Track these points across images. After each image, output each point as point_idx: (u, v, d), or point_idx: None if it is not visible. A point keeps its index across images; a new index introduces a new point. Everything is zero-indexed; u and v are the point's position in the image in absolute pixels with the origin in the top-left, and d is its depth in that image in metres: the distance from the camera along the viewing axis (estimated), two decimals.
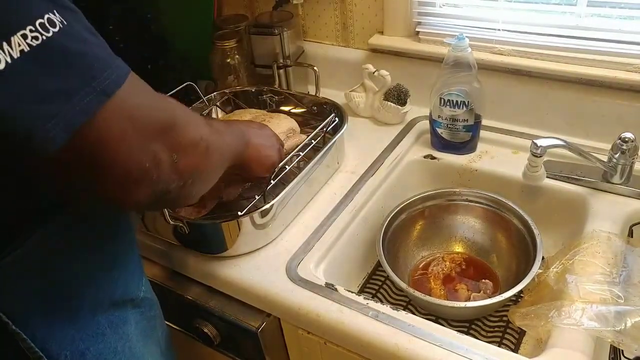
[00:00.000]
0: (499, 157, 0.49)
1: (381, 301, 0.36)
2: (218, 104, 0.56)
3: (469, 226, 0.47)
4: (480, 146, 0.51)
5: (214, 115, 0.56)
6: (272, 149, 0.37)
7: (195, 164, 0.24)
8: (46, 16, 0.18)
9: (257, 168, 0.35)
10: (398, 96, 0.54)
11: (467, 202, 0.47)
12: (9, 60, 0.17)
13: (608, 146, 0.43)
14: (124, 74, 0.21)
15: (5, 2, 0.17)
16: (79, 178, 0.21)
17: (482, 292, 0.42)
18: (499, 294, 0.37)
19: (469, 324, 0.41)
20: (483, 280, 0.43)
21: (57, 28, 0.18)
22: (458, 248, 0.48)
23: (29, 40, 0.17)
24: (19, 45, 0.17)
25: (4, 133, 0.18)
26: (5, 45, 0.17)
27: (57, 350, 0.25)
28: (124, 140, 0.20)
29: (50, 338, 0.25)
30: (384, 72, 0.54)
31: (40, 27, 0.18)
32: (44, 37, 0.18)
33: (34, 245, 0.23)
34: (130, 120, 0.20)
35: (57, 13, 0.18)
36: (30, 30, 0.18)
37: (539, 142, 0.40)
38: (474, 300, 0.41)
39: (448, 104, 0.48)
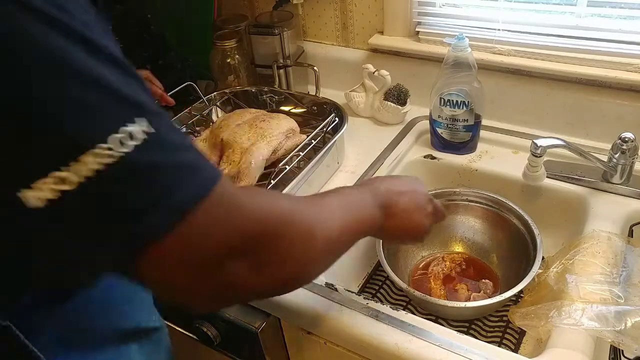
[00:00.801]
0: (499, 157, 0.49)
1: (381, 301, 0.36)
2: (218, 104, 0.56)
3: (469, 226, 0.47)
4: (480, 146, 0.51)
5: (213, 116, 0.56)
6: (420, 211, 0.29)
7: (292, 273, 0.20)
8: (127, 128, 0.16)
9: (405, 238, 0.30)
10: (398, 96, 0.54)
11: (467, 202, 0.47)
12: (80, 180, 0.15)
13: (608, 146, 0.43)
14: (207, 185, 0.18)
15: (77, 115, 0.15)
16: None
17: (482, 292, 0.42)
18: (499, 294, 0.37)
19: (469, 324, 0.41)
20: (483, 280, 0.43)
21: (138, 141, 0.16)
22: (458, 248, 0.48)
23: (100, 159, 0.15)
24: (90, 164, 0.15)
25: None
26: (74, 164, 0.15)
27: None
28: (191, 269, 0.18)
29: None
30: (384, 72, 0.54)
31: (119, 142, 0.16)
32: (121, 153, 0.16)
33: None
34: (204, 239, 0.17)
35: (144, 120, 0.16)
36: (109, 146, 0.15)
37: (539, 142, 0.40)
38: (474, 300, 0.41)
39: (448, 103, 0.47)
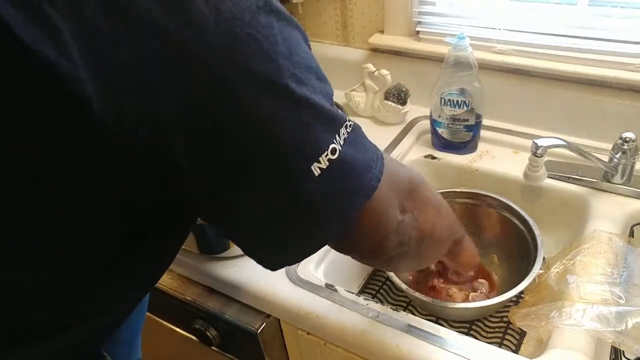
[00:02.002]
0: (499, 157, 0.49)
1: (381, 302, 0.36)
2: None
3: (469, 227, 0.47)
4: (481, 146, 0.50)
5: None
6: (476, 252, 0.38)
7: (431, 222, 0.27)
8: (344, 124, 0.22)
9: (468, 263, 0.37)
10: (398, 96, 0.54)
11: (467, 202, 0.47)
12: (340, 148, 0.21)
13: (609, 146, 0.43)
14: (383, 157, 0.24)
15: (329, 101, 0.21)
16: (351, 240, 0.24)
17: (478, 291, 0.42)
18: (498, 294, 0.37)
19: (469, 325, 0.41)
20: (478, 279, 0.43)
21: (349, 120, 0.22)
22: None
23: (345, 131, 0.21)
24: (343, 135, 0.21)
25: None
26: (337, 137, 0.21)
27: None
28: (390, 204, 0.24)
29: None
30: (384, 71, 0.54)
31: (346, 116, 0.22)
32: (351, 127, 0.22)
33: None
34: (392, 189, 0.24)
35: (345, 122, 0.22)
36: (346, 121, 0.22)
37: (540, 142, 0.40)
38: (472, 299, 0.41)
39: (448, 103, 0.47)
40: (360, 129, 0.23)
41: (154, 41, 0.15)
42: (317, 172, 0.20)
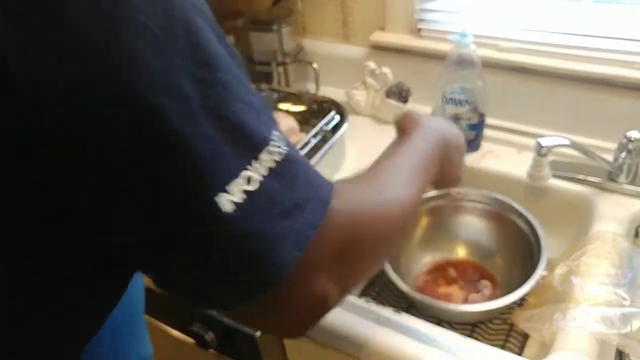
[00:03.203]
0: (503, 157, 0.48)
1: (383, 304, 0.35)
2: None
3: (472, 227, 0.47)
4: (484, 145, 0.50)
5: None
6: (460, 163, 0.32)
7: (366, 269, 0.21)
8: (275, 131, 0.17)
9: (449, 183, 0.31)
10: (400, 94, 0.53)
11: (470, 203, 0.46)
12: (261, 178, 0.16)
13: (614, 145, 0.42)
14: (327, 204, 0.18)
15: (254, 117, 0.16)
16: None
17: (480, 292, 0.42)
18: (501, 296, 0.37)
19: (472, 327, 0.40)
20: (482, 281, 0.43)
21: (285, 142, 0.17)
22: (461, 249, 0.47)
23: (273, 156, 0.16)
24: (267, 160, 0.16)
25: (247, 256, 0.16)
26: (255, 163, 0.16)
27: None
28: (299, 290, 0.17)
29: None
30: (385, 69, 0.53)
31: (279, 140, 0.17)
32: (282, 153, 0.17)
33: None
34: (307, 267, 0.17)
35: (277, 127, 0.17)
36: (272, 145, 0.16)
37: (544, 141, 0.40)
38: (472, 301, 0.41)
39: (451, 102, 0.47)
40: (298, 161, 0.17)
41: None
42: (228, 207, 0.15)
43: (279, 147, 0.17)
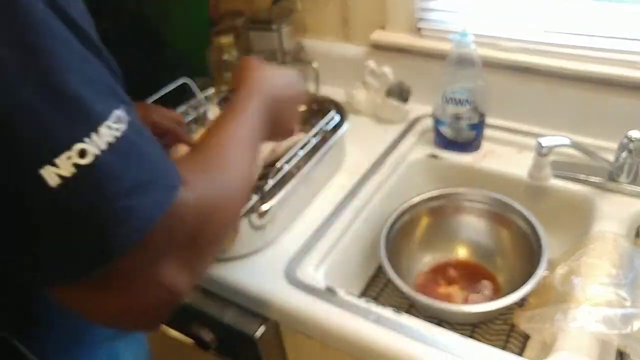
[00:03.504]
0: (503, 156, 0.48)
1: (383, 304, 0.35)
2: (215, 101, 0.55)
3: (472, 228, 0.47)
4: (485, 145, 0.50)
5: (210, 114, 0.55)
6: (293, 117, 0.30)
7: (212, 252, 0.21)
8: (118, 111, 0.16)
9: (274, 138, 0.30)
10: (400, 93, 0.53)
11: (470, 203, 0.46)
12: (97, 152, 0.15)
13: (615, 145, 0.42)
14: (173, 194, 0.18)
15: (93, 92, 0.16)
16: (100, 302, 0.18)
17: (480, 293, 0.42)
18: (501, 296, 0.37)
19: (472, 328, 0.40)
20: (482, 281, 0.43)
21: (126, 123, 0.17)
22: (462, 250, 0.47)
23: (113, 131, 0.16)
24: (107, 134, 0.16)
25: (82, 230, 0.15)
26: (94, 136, 0.15)
27: None
28: (142, 274, 0.17)
29: None
30: (385, 68, 0.53)
31: (118, 120, 0.16)
32: (124, 127, 0.16)
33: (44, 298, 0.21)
34: (151, 250, 0.17)
35: (123, 109, 0.17)
36: (116, 122, 0.16)
37: (544, 141, 0.39)
38: (472, 301, 0.40)
39: (451, 101, 0.46)
40: (144, 142, 0.17)
41: None
42: (53, 181, 0.14)
43: (123, 125, 0.16)
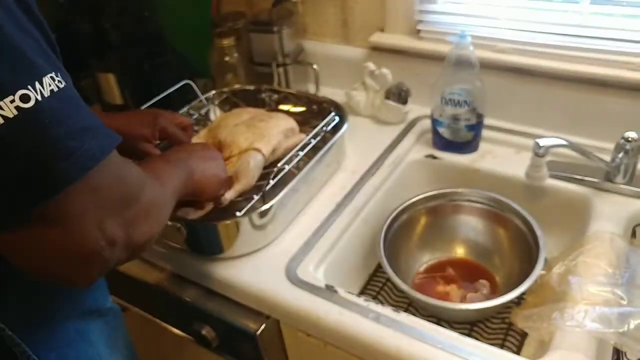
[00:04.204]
0: (501, 157, 0.49)
1: (382, 303, 0.36)
2: (216, 102, 0.56)
3: (471, 227, 0.47)
4: (483, 146, 0.50)
5: (212, 115, 0.55)
6: (218, 167, 0.36)
7: (150, 229, 0.24)
8: (59, 72, 0.19)
9: (209, 189, 0.35)
10: (399, 95, 0.53)
11: (469, 203, 0.46)
12: (40, 98, 0.18)
13: (611, 146, 0.42)
14: (114, 144, 0.21)
15: (39, 48, 0.18)
16: (35, 252, 0.20)
17: (479, 292, 0.42)
18: (499, 295, 0.37)
19: (470, 326, 0.41)
20: (480, 280, 0.43)
21: (64, 83, 0.19)
22: (460, 249, 0.47)
23: (56, 83, 0.19)
24: (50, 85, 0.18)
25: (26, 169, 0.18)
26: (37, 84, 0.18)
27: (45, 353, 0.26)
28: (82, 219, 0.20)
29: (35, 343, 0.26)
30: (384, 70, 0.53)
31: (60, 76, 0.19)
32: (63, 84, 0.19)
33: (8, 266, 0.22)
34: (94, 198, 0.20)
35: (60, 74, 0.19)
36: (55, 75, 0.19)
37: (542, 141, 0.40)
38: (470, 300, 0.41)
39: (450, 102, 0.47)
40: (78, 99, 0.20)
41: None
42: None
43: (64, 83, 0.19)
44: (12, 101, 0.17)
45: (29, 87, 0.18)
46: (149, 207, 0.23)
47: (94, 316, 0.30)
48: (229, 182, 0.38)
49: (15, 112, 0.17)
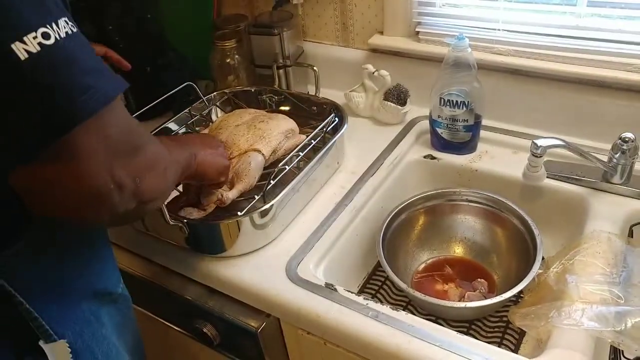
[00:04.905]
0: (499, 157, 0.49)
1: (381, 301, 0.36)
2: (218, 104, 0.56)
3: (469, 226, 0.47)
4: (480, 146, 0.51)
5: (213, 116, 0.56)
6: (219, 155, 0.38)
7: (154, 186, 0.25)
8: (68, 18, 0.21)
9: (211, 173, 0.37)
10: (398, 96, 0.54)
11: (467, 202, 0.47)
12: (58, 37, 0.20)
13: (608, 146, 0.43)
14: (123, 87, 0.22)
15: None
16: (50, 189, 0.21)
17: (477, 291, 0.42)
18: (497, 294, 0.37)
19: (468, 325, 0.41)
20: (478, 279, 0.43)
21: (76, 29, 0.21)
22: (458, 248, 0.48)
23: (70, 27, 0.20)
24: (64, 27, 0.20)
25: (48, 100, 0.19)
26: (54, 25, 0.20)
27: (61, 330, 0.27)
28: (95, 157, 0.21)
29: (52, 319, 0.27)
30: (383, 72, 0.54)
31: (71, 22, 0.21)
32: (76, 29, 0.21)
33: (28, 242, 0.25)
34: (105, 138, 0.22)
35: (70, 21, 0.21)
36: (68, 20, 0.21)
37: (539, 142, 0.40)
38: (468, 299, 0.41)
39: (448, 104, 0.47)
40: (88, 44, 0.22)
41: None
42: (22, 55, 0.18)
43: (75, 28, 0.20)
44: (35, 37, 0.18)
45: (48, 26, 0.19)
46: (154, 161, 0.25)
47: (106, 300, 0.31)
48: (229, 170, 0.40)
49: (39, 48, 0.19)
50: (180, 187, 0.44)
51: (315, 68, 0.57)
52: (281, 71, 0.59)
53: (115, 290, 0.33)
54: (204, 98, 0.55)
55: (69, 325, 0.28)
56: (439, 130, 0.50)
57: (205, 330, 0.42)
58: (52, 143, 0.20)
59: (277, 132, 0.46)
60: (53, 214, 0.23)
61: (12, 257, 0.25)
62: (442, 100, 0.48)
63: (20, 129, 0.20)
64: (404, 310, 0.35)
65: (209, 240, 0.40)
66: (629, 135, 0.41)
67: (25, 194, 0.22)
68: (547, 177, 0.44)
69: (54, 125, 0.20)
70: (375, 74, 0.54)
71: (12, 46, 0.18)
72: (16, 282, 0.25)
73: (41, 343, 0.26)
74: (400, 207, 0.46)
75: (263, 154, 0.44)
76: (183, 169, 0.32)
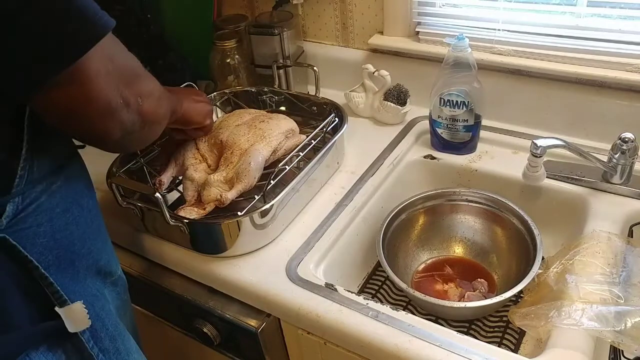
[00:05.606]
0: (499, 157, 0.49)
1: (381, 301, 0.36)
2: (218, 104, 0.56)
3: (468, 226, 0.47)
4: (480, 146, 0.51)
5: (213, 116, 0.56)
6: (203, 101, 0.42)
7: (153, 109, 0.29)
8: None
9: (196, 116, 0.41)
10: (398, 96, 0.54)
11: (467, 202, 0.47)
12: None
13: (608, 146, 0.43)
14: (113, 22, 0.25)
15: None
16: (67, 107, 0.24)
17: (477, 291, 0.42)
18: (497, 294, 0.37)
19: (468, 324, 0.41)
20: (478, 279, 0.43)
21: None
22: (457, 248, 0.48)
23: None
24: None
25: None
26: None
27: (73, 298, 0.28)
28: (105, 78, 0.24)
29: (64, 288, 0.28)
30: (383, 72, 0.54)
31: None
32: None
33: (35, 209, 0.27)
34: (111, 63, 0.25)
35: None
36: None
37: (539, 142, 0.40)
38: (468, 299, 0.41)
39: (448, 104, 0.48)
40: None
41: None
42: None
43: None
44: None
45: None
46: (152, 88, 0.29)
47: (107, 281, 0.33)
48: (212, 113, 0.43)
49: None
50: (180, 188, 0.44)
51: (315, 68, 0.57)
52: (281, 71, 0.59)
53: (115, 271, 0.34)
54: None
55: (81, 296, 0.29)
56: (439, 130, 0.50)
57: (205, 330, 0.42)
58: (69, 65, 0.23)
59: (277, 132, 0.46)
60: (72, 130, 0.26)
61: (25, 228, 0.26)
62: (442, 100, 0.48)
63: (41, 49, 0.22)
64: (404, 310, 0.35)
65: (209, 240, 0.40)
66: (629, 135, 0.41)
67: (47, 115, 0.25)
68: (547, 177, 0.44)
69: (71, 47, 0.22)
70: (375, 74, 0.54)
71: None
72: (30, 249, 0.26)
73: (57, 309, 0.27)
74: (400, 207, 0.46)
75: (263, 154, 0.44)
76: (172, 107, 0.34)
